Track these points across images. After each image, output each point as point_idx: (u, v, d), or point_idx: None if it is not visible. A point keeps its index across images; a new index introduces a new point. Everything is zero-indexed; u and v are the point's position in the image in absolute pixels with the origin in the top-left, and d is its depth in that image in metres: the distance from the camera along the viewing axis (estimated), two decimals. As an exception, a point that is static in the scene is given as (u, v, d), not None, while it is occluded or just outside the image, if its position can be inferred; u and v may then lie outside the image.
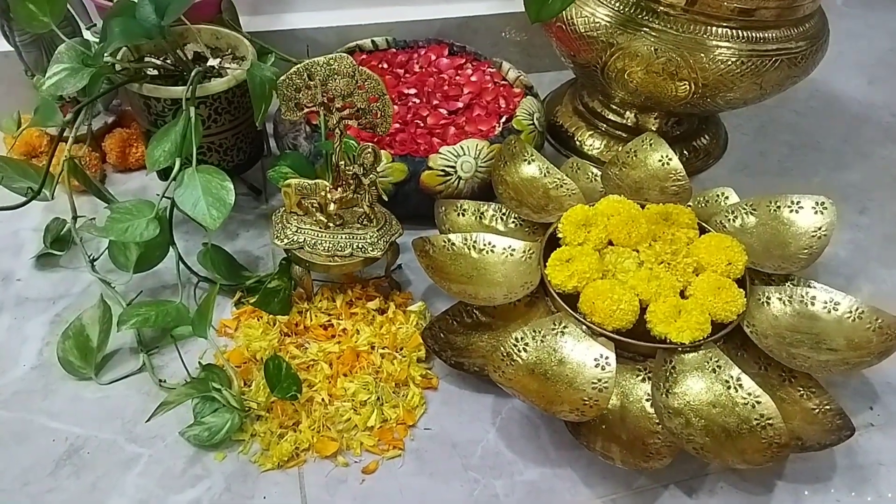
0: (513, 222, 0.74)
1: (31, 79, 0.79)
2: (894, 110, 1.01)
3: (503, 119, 0.81)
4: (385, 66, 0.89)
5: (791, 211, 0.71)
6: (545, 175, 0.76)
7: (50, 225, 0.72)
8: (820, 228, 0.69)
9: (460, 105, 0.82)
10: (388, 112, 0.61)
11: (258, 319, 0.66)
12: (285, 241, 0.65)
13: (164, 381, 0.61)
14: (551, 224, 0.69)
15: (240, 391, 0.60)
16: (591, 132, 0.91)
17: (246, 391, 0.60)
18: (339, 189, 0.63)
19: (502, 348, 0.58)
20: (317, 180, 0.63)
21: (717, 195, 0.77)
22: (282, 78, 0.60)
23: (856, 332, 0.60)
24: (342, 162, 0.62)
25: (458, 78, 0.87)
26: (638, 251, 0.65)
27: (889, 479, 0.58)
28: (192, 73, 0.66)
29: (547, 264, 0.64)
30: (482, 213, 0.74)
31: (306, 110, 0.61)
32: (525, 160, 0.76)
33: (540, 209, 0.73)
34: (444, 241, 0.67)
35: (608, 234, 0.66)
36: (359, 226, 0.65)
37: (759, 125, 0.97)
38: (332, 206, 0.63)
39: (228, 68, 0.72)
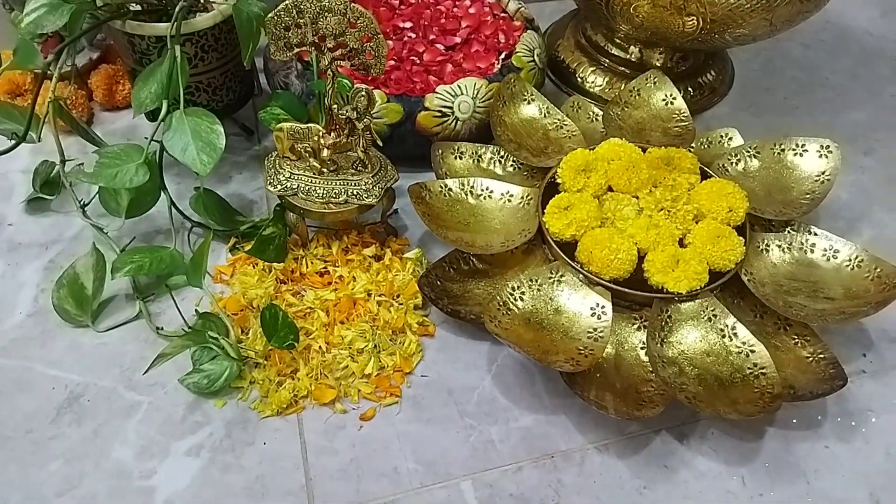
0: (511, 165, 0.72)
1: (10, 13, 0.76)
2: (909, 43, 0.97)
3: (502, 56, 0.78)
4: (379, -4, 0.85)
5: (795, 154, 0.69)
6: (545, 116, 0.74)
7: (39, 168, 0.70)
8: (824, 173, 0.68)
9: (458, 40, 0.79)
10: (383, 52, 0.58)
11: (254, 266, 0.66)
12: (278, 187, 0.63)
13: (162, 329, 0.62)
14: (550, 168, 0.68)
15: (237, 339, 0.60)
16: (593, 68, 0.88)
17: (243, 339, 0.61)
18: (333, 134, 0.61)
19: (498, 297, 0.58)
20: (309, 124, 0.62)
21: (721, 136, 0.75)
22: (269, 16, 0.57)
23: (854, 280, 0.60)
24: (335, 105, 0.60)
25: (455, 10, 0.84)
26: (637, 197, 0.64)
27: (878, 426, 0.59)
28: (177, 9, 0.63)
29: (545, 211, 0.63)
30: (480, 156, 0.73)
31: (296, 50, 0.59)
32: (525, 100, 0.74)
33: (539, 152, 0.71)
34: (441, 187, 0.66)
35: (608, 180, 0.65)
36: (353, 171, 0.64)
37: (767, 59, 0.94)
38: (325, 152, 0.61)
39: (214, 2, 0.68)
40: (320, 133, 0.61)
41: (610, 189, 0.65)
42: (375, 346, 0.61)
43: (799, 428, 0.58)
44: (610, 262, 0.58)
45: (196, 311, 0.62)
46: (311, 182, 0.63)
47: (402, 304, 0.64)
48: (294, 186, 0.63)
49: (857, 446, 0.58)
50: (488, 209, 0.66)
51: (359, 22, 0.57)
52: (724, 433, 0.58)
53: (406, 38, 0.80)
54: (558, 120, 0.74)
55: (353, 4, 0.56)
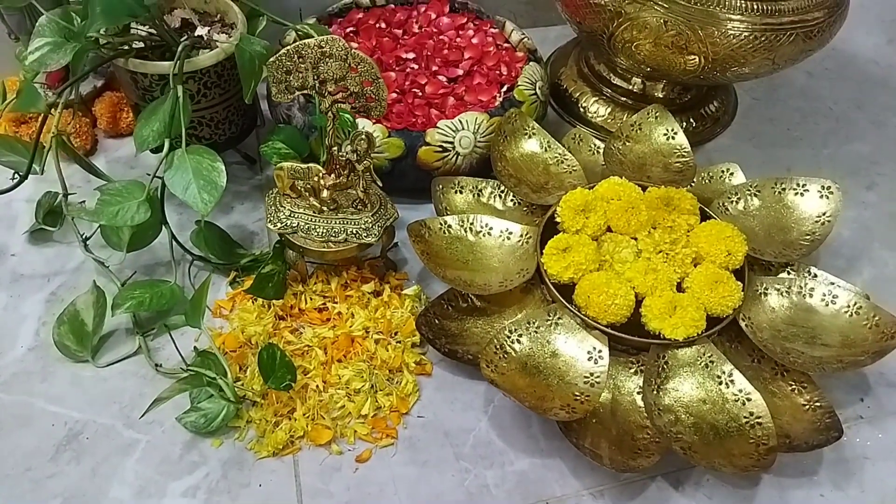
0: (511, 201, 0.72)
1: (16, 42, 0.76)
2: (914, 73, 0.97)
3: (504, 88, 0.78)
4: (383, 25, 0.85)
5: (796, 194, 0.69)
6: (545, 150, 0.74)
7: (42, 199, 0.71)
8: (824, 214, 0.68)
9: (460, 72, 0.79)
10: (383, 96, 0.59)
11: (253, 301, 0.66)
12: (278, 225, 0.64)
13: (161, 366, 0.62)
14: (550, 206, 0.68)
15: (234, 378, 0.60)
16: (595, 98, 0.88)
17: (241, 377, 0.61)
18: (333, 175, 0.61)
19: (495, 341, 0.58)
20: (310, 164, 0.62)
21: (722, 171, 0.75)
22: (271, 60, 0.57)
23: (852, 328, 0.60)
24: (335, 147, 0.60)
25: (458, 40, 0.84)
26: (636, 239, 0.64)
27: (874, 473, 0.59)
28: (179, 48, 0.63)
29: (543, 252, 0.63)
30: (480, 191, 0.73)
31: (297, 94, 0.59)
32: (525, 134, 0.74)
33: (539, 188, 0.72)
34: (441, 224, 0.66)
35: (607, 221, 0.65)
36: (353, 210, 0.64)
37: (770, 88, 0.94)
38: (325, 193, 0.61)
39: (218, 40, 0.69)
40: (321, 173, 0.61)
41: (609, 229, 0.65)
42: (372, 386, 0.61)
43: (794, 475, 0.58)
44: (608, 308, 0.58)
45: (195, 348, 0.62)
46: (311, 220, 0.64)
47: (399, 342, 0.64)
48: (294, 224, 0.64)
49: (852, 494, 0.58)
50: (487, 247, 0.66)
51: (359, 67, 0.57)
52: (718, 480, 0.58)
53: (409, 70, 0.80)
54: (559, 154, 0.74)
55: (353, 50, 0.56)
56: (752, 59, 0.70)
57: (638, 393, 0.59)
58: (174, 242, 0.67)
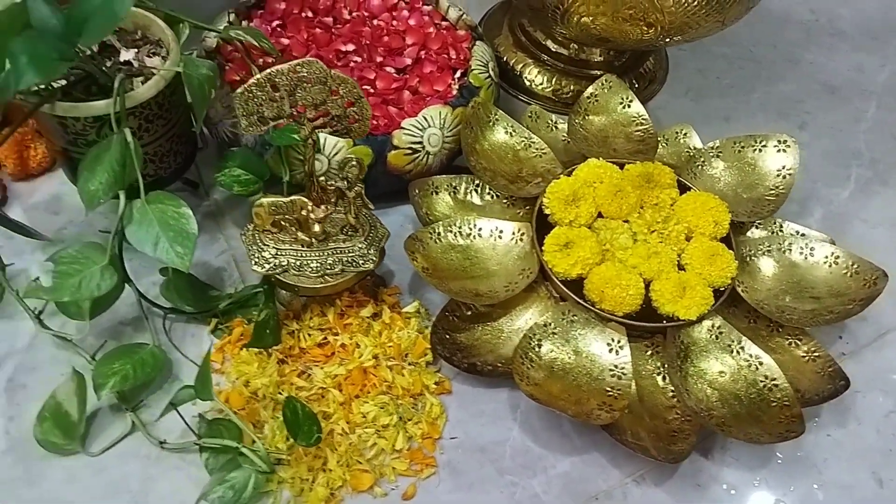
0: (489, 194, 0.70)
1: None
2: (813, 5, 1.02)
3: (458, 74, 0.75)
4: (309, 13, 0.78)
5: (755, 150, 0.72)
6: (510, 135, 0.72)
7: None
8: (784, 167, 0.71)
9: (409, 61, 0.75)
10: (367, 115, 0.54)
11: (245, 349, 0.61)
12: (266, 267, 0.58)
13: (165, 442, 0.56)
14: (530, 197, 0.67)
15: (251, 440, 0.56)
16: (538, 68, 0.86)
17: (259, 437, 0.57)
18: (323, 207, 0.56)
19: (520, 351, 0.58)
20: (293, 198, 0.57)
21: (676, 133, 0.77)
22: (239, 91, 0.51)
23: (834, 278, 0.64)
24: (322, 178, 0.56)
25: (395, 24, 0.78)
26: (628, 221, 0.65)
27: (865, 405, 0.65)
28: (116, 83, 0.55)
29: (544, 250, 0.62)
30: (455, 188, 0.70)
31: (272, 124, 0.53)
32: (490, 123, 0.72)
33: (514, 177, 0.70)
34: (431, 234, 0.64)
35: (597, 208, 0.65)
36: (344, 237, 0.60)
37: (692, 36, 0.96)
38: (316, 227, 0.57)
39: (151, 67, 0.60)
40: (308, 206, 0.57)
41: (599, 215, 0.65)
42: (400, 417, 0.59)
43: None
44: (622, 300, 0.59)
45: (200, 416, 0.57)
46: (302, 256, 0.59)
47: (413, 364, 0.62)
48: (284, 263, 0.59)
49: (852, 429, 0.63)
50: (481, 249, 0.64)
51: (340, 89, 0.52)
52: (739, 441, 0.61)
53: (352, 64, 0.74)
54: (525, 138, 0.72)
55: (332, 71, 0.51)
56: (705, 24, 0.71)
57: (657, 374, 0.61)
58: (143, 301, 0.60)
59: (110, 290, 0.55)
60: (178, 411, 0.56)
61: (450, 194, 0.70)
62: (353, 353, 0.62)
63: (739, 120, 0.87)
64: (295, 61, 0.50)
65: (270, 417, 0.58)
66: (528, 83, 0.86)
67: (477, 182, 0.71)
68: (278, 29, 0.76)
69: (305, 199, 0.57)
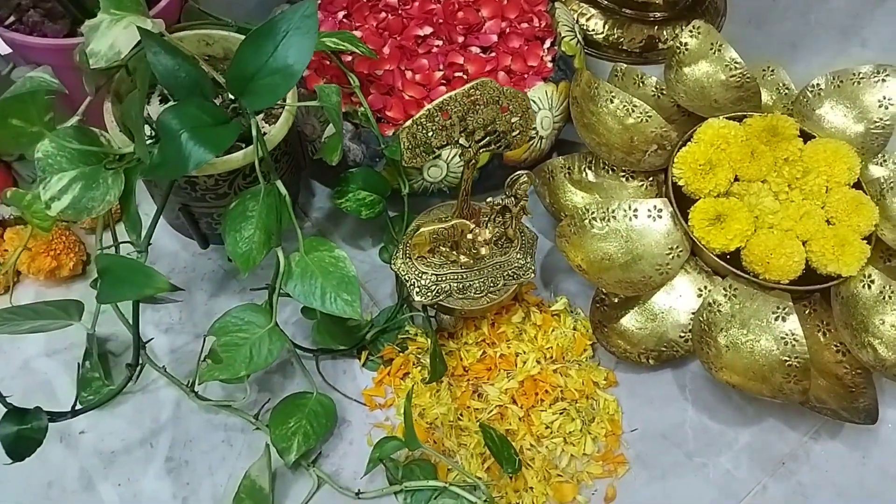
0: (604, 169, 0.68)
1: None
2: None
3: (547, 45, 0.70)
4: (370, -3, 0.71)
5: (853, 83, 0.71)
6: (611, 102, 0.69)
7: (86, 375, 0.55)
8: (885, 98, 0.70)
9: (494, 38, 0.69)
10: (531, 125, 0.50)
11: (403, 379, 0.59)
12: (429, 295, 0.55)
13: (361, 493, 0.54)
14: (652, 168, 0.65)
15: (445, 472, 0.54)
16: (598, 16, 0.81)
17: (451, 467, 0.55)
18: (488, 228, 0.53)
19: (700, 338, 0.57)
20: (453, 222, 0.53)
21: (763, 71, 0.75)
22: (407, 125, 0.46)
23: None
24: (488, 200, 0.52)
25: (462, -6, 0.72)
26: (766, 181, 0.63)
27: None
28: (254, 129, 0.48)
29: (694, 226, 0.60)
30: (569, 169, 0.67)
31: (438, 152, 0.49)
32: (597, 95, 0.68)
33: (629, 148, 0.67)
34: (585, 223, 0.61)
35: (734, 172, 0.63)
36: (497, 250, 0.56)
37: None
38: (484, 250, 0.53)
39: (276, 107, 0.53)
40: (471, 229, 0.53)
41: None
42: (582, 421, 0.58)
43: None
44: (788, 268, 0.58)
45: (391, 459, 0.54)
46: (463, 279, 0.55)
47: (577, 363, 0.61)
48: (447, 289, 0.55)
49: None
50: (636, 231, 0.62)
51: (510, 104, 0.48)
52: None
53: (434, 49, 0.68)
54: (627, 103, 0.69)
55: (505, 87, 0.47)
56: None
57: (818, 331, 0.61)
58: (295, 347, 0.56)
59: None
60: (387, 468, 0.53)
61: (565, 176, 0.67)
62: (516, 362, 0.60)
63: (805, 45, 0.85)
64: (468, 85, 0.45)
65: (458, 446, 0.56)
66: (588, 33, 0.81)
67: (589, 159, 0.68)
68: (345, 21, 0.69)
69: (467, 222, 0.53)
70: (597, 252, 0.61)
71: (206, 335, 0.50)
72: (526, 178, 0.51)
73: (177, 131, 0.41)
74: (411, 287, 0.55)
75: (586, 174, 0.68)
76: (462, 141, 0.48)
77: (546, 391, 0.59)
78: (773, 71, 0.74)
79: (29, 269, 0.59)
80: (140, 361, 0.54)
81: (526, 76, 0.67)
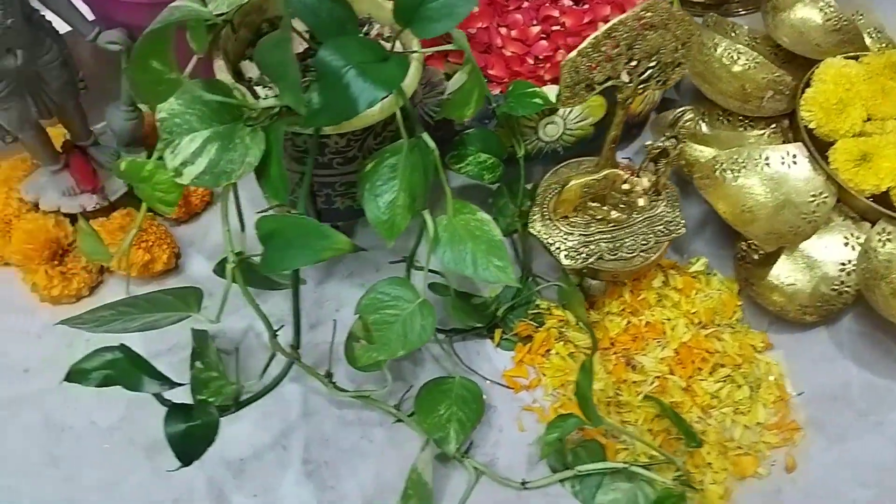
0: (719, 120, 0.63)
1: (7, 143, 0.49)
2: None
3: (643, -7, 0.65)
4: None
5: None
6: (714, 49, 0.65)
7: (200, 375, 0.48)
8: None
9: (587, -15, 0.64)
10: (692, 57, 0.46)
11: (547, 355, 0.53)
12: (578, 259, 0.50)
13: (527, 483, 0.48)
14: (776, 113, 0.61)
15: (614, 452, 0.49)
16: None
17: (620, 446, 0.50)
18: (647, 176, 0.48)
19: (877, 283, 0.53)
20: (605, 172, 0.48)
21: (852, 16, 0.71)
22: (570, 57, 0.41)
23: None
24: (648, 142, 0.47)
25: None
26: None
27: None
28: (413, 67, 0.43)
29: (838, 168, 0.56)
30: (682, 124, 0.63)
31: (598, 89, 0.44)
32: (707, 44, 0.64)
33: (743, 96, 0.63)
34: (714, 176, 0.56)
35: (866, 111, 0.59)
36: (643, 205, 0.51)
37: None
38: (641, 201, 0.48)
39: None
40: (624, 179, 0.48)
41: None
42: (749, 387, 0.53)
43: None
44: (947, 204, 0.54)
45: (566, 444, 0.48)
46: (613, 238, 0.50)
47: (731, 327, 0.56)
48: (597, 251, 0.50)
49: None
50: (775, 180, 0.57)
51: (678, 30, 0.43)
52: None
53: (526, 3, 0.64)
54: (731, 50, 0.65)
55: (673, 10, 0.42)
56: None
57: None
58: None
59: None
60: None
61: (676, 130, 0.63)
62: (664, 330, 0.55)
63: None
64: (639, 5, 0.41)
65: (620, 423, 0.51)
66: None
67: (702, 110, 0.63)
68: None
69: (620, 172, 0.48)
70: (736, 205, 0.57)
71: (356, 313, 0.44)
72: (691, 115, 0.46)
73: (341, 69, 0.36)
74: (557, 251, 0.50)
75: (700, 127, 0.63)
76: (623, 76, 0.44)
77: (703, 359, 0.54)
78: (861, 15, 0.71)
79: (119, 265, 0.52)
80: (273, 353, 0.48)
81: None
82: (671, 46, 0.44)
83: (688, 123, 0.46)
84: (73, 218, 0.53)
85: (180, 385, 0.41)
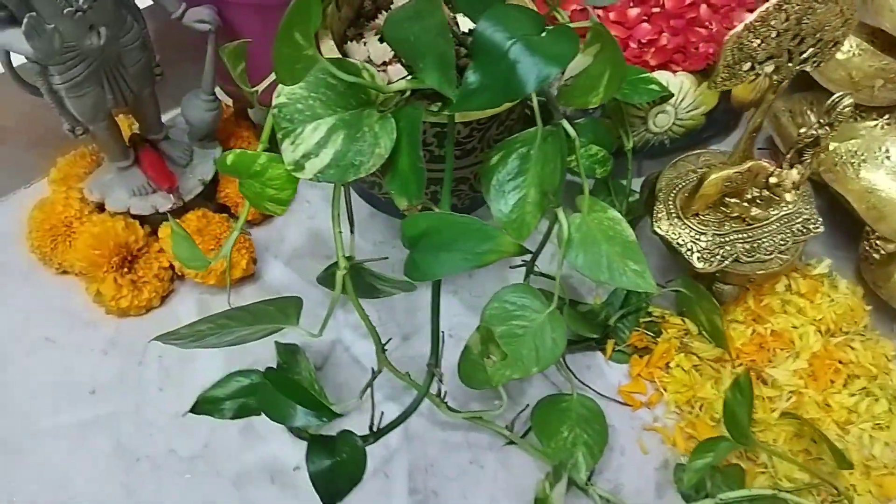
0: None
1: (77, 136, 0.43)
2: None
3: (744, -26, 0.61)
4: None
5: None
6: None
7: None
8: None
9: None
10: (845, 36, 0.41)
11: (667, 369, 0.49)
12: (714, 261, 0.45)
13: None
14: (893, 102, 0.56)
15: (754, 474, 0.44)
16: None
17: (765, 471, 0.45)
18: (797, 168, 0.43)
19: None
20: (749, 164, 0.43)
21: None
22: (734, 32, 0.37)
23: None
24: (801, 129, 0.42)
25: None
26: None
27: None
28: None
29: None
30: (791, 113, 0.58)
31: (758, 69, 0.39)
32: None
33: (849, 84, 0.58)
34: (836, 167, 0.52)
35: None
36: (791, 200, 0.46)
37: None
38: (789, 195, 0.43)
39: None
40: (771, 171, 0.43)
41: None
42: (888, 400, 0.48)
43: None
44: None
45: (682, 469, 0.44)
46: (750, 238, 0.46)
47: (861, 334, 0.51)
48: (733, 252, 0.45)
49: None
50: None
51: (843, 4, 0.38)
52: None
53: (620, -16, 0.59)
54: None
55: (843, -20, 0.37)
56: None
57: None
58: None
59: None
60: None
61: (788, 120, 0.58)
62: (792, 339, 0.50)
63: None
64: (819, -27, 0.36)
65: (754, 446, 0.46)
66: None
67: (810, 100, 0.59)
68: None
69: (765, 164, 0.43)
70: (861, 200, 0.52)
71: (481, 323, 0.38)
72: (850, 100, 0.41)
73: (504, 43, 0.31)
74: (688, 253, 0.45)
75: (808, 117, 0.59)
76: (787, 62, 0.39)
77: (836, 370, 0.49)
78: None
79: (197, 272, 0.47)
80: (378, 369, 0.43)
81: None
82: (836, 22, 0.39)
83: (846, 110, 0.42)
84: (142, 220, 0.47)
85: (340, 416, 0.35)
